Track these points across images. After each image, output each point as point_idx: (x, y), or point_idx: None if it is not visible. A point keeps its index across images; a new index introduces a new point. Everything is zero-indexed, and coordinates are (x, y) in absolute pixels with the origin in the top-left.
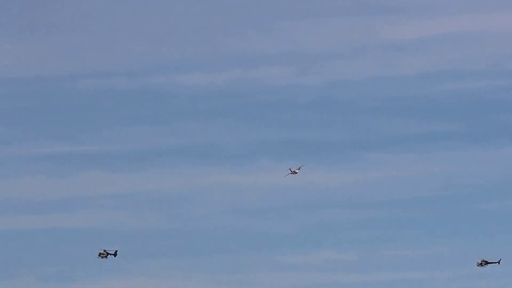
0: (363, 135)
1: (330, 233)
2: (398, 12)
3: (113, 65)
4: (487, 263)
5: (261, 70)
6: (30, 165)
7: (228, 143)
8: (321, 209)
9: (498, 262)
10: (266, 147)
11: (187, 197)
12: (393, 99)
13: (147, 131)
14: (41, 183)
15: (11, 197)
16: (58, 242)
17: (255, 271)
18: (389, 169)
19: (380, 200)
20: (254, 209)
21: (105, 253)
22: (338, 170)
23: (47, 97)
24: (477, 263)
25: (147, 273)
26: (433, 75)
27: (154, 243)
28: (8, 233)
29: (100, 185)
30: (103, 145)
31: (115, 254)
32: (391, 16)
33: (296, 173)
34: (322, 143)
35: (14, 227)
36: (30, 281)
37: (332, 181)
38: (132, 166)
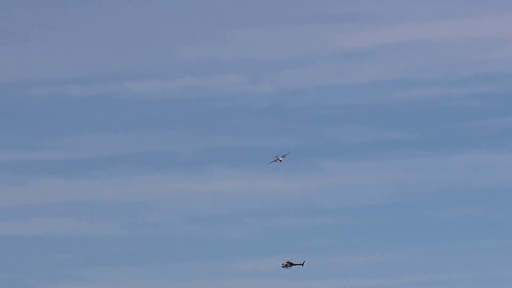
0: (316, 143)
1: (284, 240)
2: (350, 20)
3: (66, 72)
4: (291, 264)
5: (214, 78)
6: None
7: (181, 151)
8: (275, 216)
9: (302, 264)
10: (220, 154)
11: (142, 204)
12: (346, 107)
13: (101, 138)
14: None
15: None
16: (12, 250)
17: (210, 278)
18: (343, 177)
19: (333, 208)
20: (208, 217)
21: None
22: (292, 178)
23: (0, 104)
24: (282, 264)
25: (102, 280)
26: (385, 83)
27: (109, 250)
28: None
29: (55, 193)
30: (57, 153)
31: None
32: (343, 25)
33: (281, 161)
34: (275, 151)
35: None
36: None
37: (285, 188)
38: (87, 173)
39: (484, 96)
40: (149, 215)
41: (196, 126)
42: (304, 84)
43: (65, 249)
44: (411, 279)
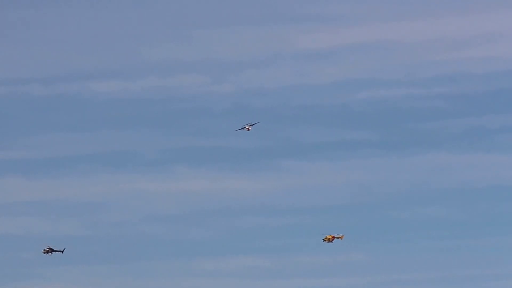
0: (278, 143)
1: (245, 240)
2: (312, 21)
3: (28, 72)
4: (53, 251)
5: (176, 78)
6: None
7: (144, 151)
8: (237, 216)
9: (62, 251)
10: (182, 154)
11: (104, 204)
12: (307, 107)
13: (63, 138)
14: None
15: None
16: None
17: (172, 277)
18: (305, 177)
19: (295, 207)
20: (170, 216)
21: None
22: (254, 178)
23: None
24: (43, 250)
25: (64, 280)
26: (347, 84)
27: (71, 250)
28: None
29: (17, 192)
30: (19, 152)
31: None
32: (305, 25)
33: (249, 129)
34: (237, 151)
35: None
36: None
37: (247, 188)
38: (48, 173)
39: (445, 97)
40: (111, 214)
41: (158, 126)
42: (266, 85)
43: (27, 248)
44: (373, 279)
